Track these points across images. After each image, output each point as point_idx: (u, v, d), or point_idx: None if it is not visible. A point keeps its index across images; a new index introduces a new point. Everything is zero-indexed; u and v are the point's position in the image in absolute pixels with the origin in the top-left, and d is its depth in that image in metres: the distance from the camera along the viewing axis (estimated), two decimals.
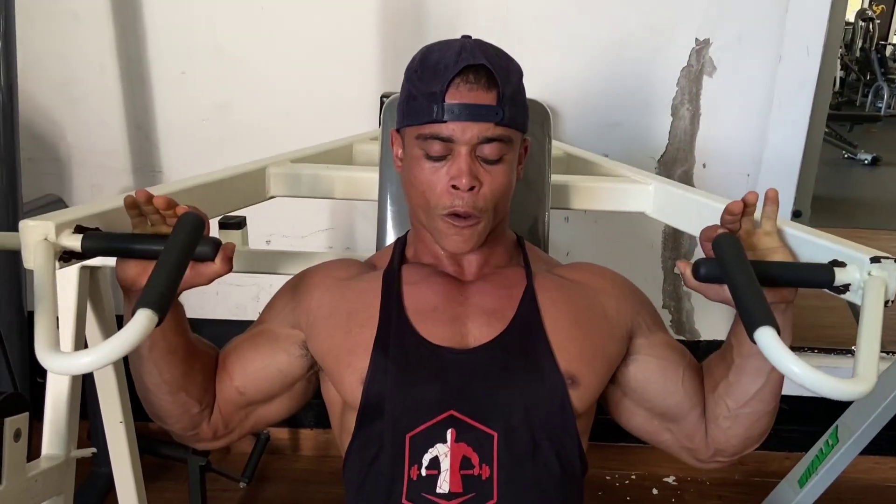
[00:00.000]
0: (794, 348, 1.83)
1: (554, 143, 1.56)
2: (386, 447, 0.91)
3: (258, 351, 0.99)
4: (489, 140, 0.91)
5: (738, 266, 0.81)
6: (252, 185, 1.19)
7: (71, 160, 2.03)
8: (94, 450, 1.17)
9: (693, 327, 2.19)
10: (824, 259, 0.88)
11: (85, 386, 1.31)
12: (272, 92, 1.96)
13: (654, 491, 2.18)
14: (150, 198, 0.84)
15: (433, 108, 0.90)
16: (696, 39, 1.91)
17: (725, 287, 0.84)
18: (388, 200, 1.18)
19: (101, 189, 2.03)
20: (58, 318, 1.14)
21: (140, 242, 0.84)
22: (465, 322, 0.95)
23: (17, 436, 0.99)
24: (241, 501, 2.09)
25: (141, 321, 0.70)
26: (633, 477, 2.23)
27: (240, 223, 1.20)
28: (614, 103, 1.96)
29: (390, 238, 1.20)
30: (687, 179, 2.01)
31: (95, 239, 0.85)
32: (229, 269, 0.86)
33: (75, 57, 1.95)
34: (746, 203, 0.87)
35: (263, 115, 1.97)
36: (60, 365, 0.69)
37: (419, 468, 0.88)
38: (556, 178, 1.23)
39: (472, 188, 0.91)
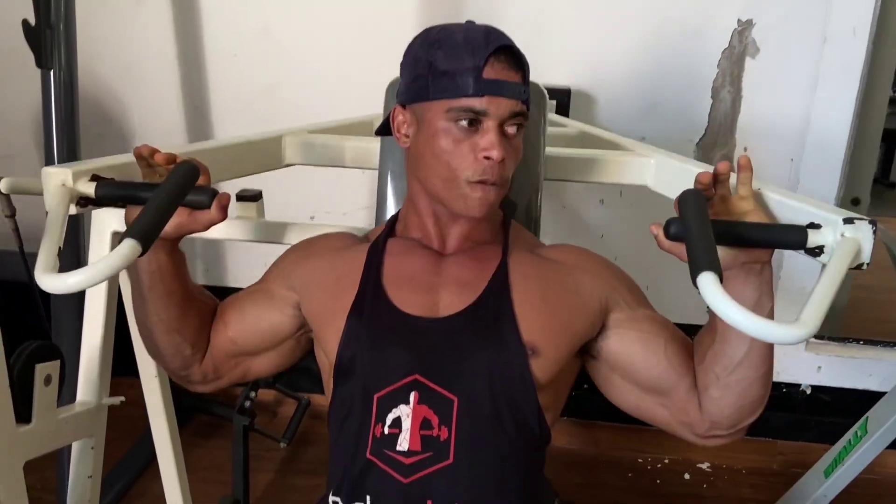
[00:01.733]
0: (838, 339, 1.82)
1: (570, 122, 1.59)
2: (356, 406, 0.98)
3: (255, 305, 1.08)
4: (515, 115, 0.97)
5: (695, 216, 0.82)
6: (269, 153, 1.27)
7: (135, 137, 2.18)
8: (122, 398, 1.29)
9: None
10: (805, 223, 0.87)
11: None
12: (317, 73, 2.05)
13: (686, 476, 2.18)
14: (152, 153, 0.94)
15: (469, 83, 0.95)
16: (739, 20, 1.87)
17: None
18: (389, 176, 1.25)
19: None
20: None
21: (144, 190, 0.93)
22: (438, 292, 1.01)
23: (47, 381, 1.11)
24: (282, 461, 2.22)
25: (125, 249, 0.77)
26: (666, 461, 2.23)
27: (255, 196, 1.28)
28: (652, 85, 1.95)
29: (390, 210, 1.27)
30: None
31: (107, 187, 0.96)
32: (223, 217, 0.95)
33: (138, 40, 2.09)
34: (718, 173, 0.88)
35: (309, 95, 2.06)
36: (53, 284, 0.78)
37: (383, 426, 0.95)
38: (556, 150, 1.26)
39: (503, 159, 0.97)
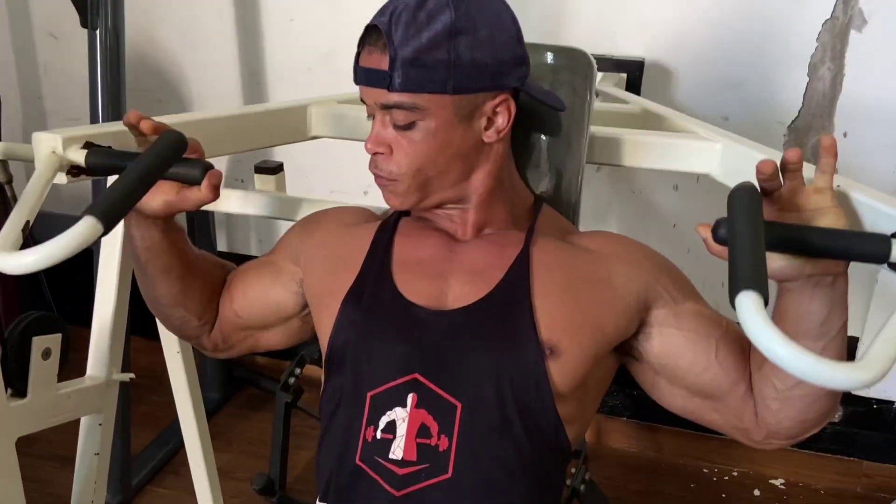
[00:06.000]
0: None
1: (633, 97, 1.43)
2: (345, 402, 0.88)
3: (260, 279, 1.02)
4: (388, 106, 0.85)
5: (743, 219, 0.68)
6: (293, 123, 1.19)
7: (193, 102, 2.14)
8: (132, 375, 1.24)
9: None
10: (889, 230, 0.71)
11: None
12: None
13: (756, 492, 1.99)
14: (139, 120, 0.86)
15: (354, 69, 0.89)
16: None
17: None
18: None
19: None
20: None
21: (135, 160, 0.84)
22: (447, 280, 0.90)
23: (45, 354, 1.07)
24: None
25: (82, 228, 0.70)
26: (735, 473, 2.05)
27: (275, 168, 1.20)
28: (740, 59, 1.74)
29: None
30: None
31: (99, 155, 0.88)
32: (215, 197, 0.86)
33: (198, 2, 2.04)
34: (786, 162, 0.72)
35: None
36: (5, 263, 0.71)
37: (375, 430, 0.85)
38: (605, 130, 1.10)
39: (377, 153, 0.88)
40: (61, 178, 0.90)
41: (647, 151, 1.09)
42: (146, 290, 0.99)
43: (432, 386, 0.84)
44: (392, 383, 0.85)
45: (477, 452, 0.83)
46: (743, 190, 0.71)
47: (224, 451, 2.03)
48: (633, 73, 1.70)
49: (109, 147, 0.90)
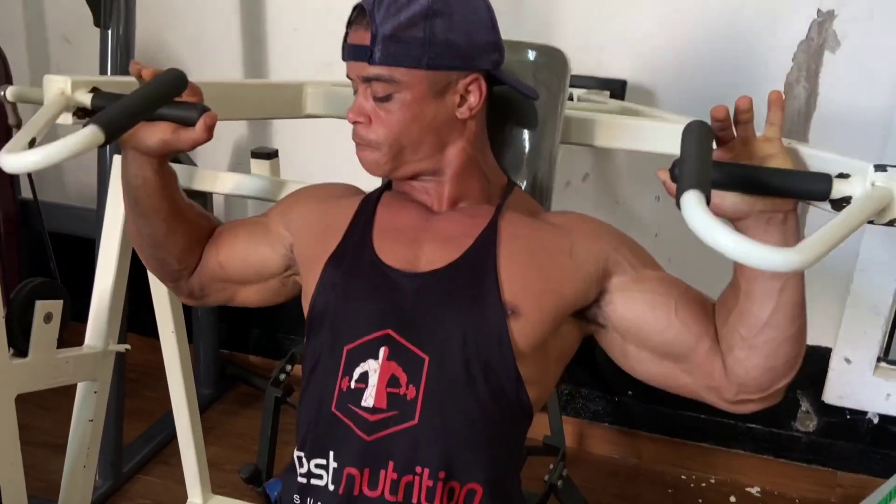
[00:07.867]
0: None
1: (611, 101, 1.50)
2: (325, 357, 0.95)
3: (249, 236, 1.09)
4: (368, 79, 0.94)
5: (693, 140, 0.74)
6: (289, 99, 1.27)
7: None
8: (127, 346, 1.30)
9: None
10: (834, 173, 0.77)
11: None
12: None
13: (732, 499, 2.03)
14: (140, 71, 0.94)
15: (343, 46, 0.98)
16: (819, 10, 1.73)
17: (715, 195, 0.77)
18: None
19: (220, 137, 2.21)
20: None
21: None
22: (421, 246, 0.97)
23: (47, 318, 1.13)
24: None
25: (86, 134, 0.76)
26: (712, 481, 2.09)
27: (271, 154, 1.28)
28: (717, 79, 1.82)
29: None
30: None
31: (104, 98, 0.95)
32: (208, 138, 0.94)
33: (207, 11, 2.14)
34: (739, 110, 0.80)
35: None
36: (10, 162, 0.77)
37: (350, 380, 0.92)
38: (577, 112, 1.18)
39: (358, 122, 0.97)
40: (66, 119, 0.96)
41: (620, 132, 1.16)
42: (133, 228, 1.06)
43: (403, 340, 0.92)
44: (366, 338, 0.93)
45: (441, 403, 0.90)
46: (695, 123, 0.78)
47: (213, 445, 2.07)
48: (616, 91, 1.78)
49: (113, 94, 0.96)
